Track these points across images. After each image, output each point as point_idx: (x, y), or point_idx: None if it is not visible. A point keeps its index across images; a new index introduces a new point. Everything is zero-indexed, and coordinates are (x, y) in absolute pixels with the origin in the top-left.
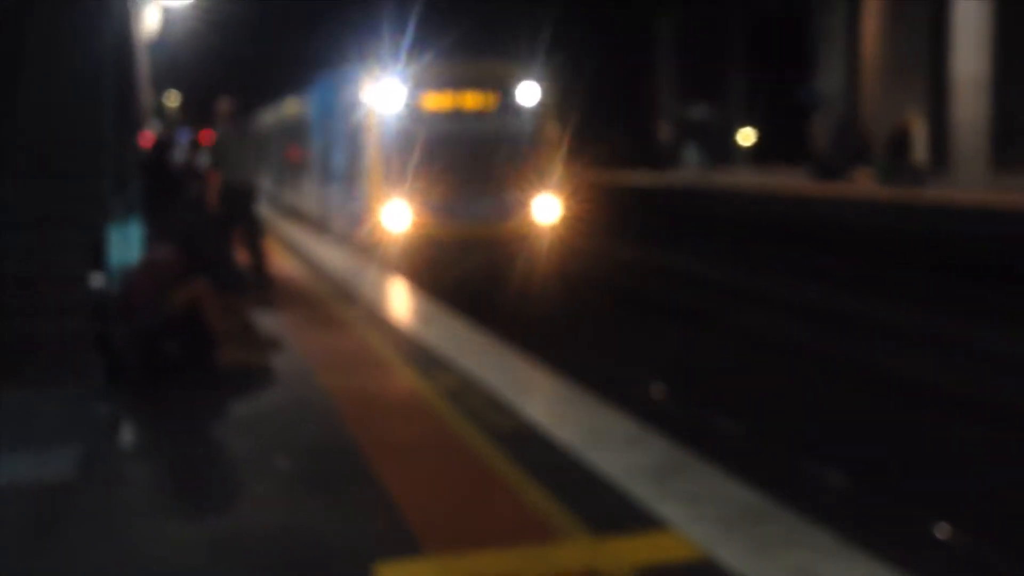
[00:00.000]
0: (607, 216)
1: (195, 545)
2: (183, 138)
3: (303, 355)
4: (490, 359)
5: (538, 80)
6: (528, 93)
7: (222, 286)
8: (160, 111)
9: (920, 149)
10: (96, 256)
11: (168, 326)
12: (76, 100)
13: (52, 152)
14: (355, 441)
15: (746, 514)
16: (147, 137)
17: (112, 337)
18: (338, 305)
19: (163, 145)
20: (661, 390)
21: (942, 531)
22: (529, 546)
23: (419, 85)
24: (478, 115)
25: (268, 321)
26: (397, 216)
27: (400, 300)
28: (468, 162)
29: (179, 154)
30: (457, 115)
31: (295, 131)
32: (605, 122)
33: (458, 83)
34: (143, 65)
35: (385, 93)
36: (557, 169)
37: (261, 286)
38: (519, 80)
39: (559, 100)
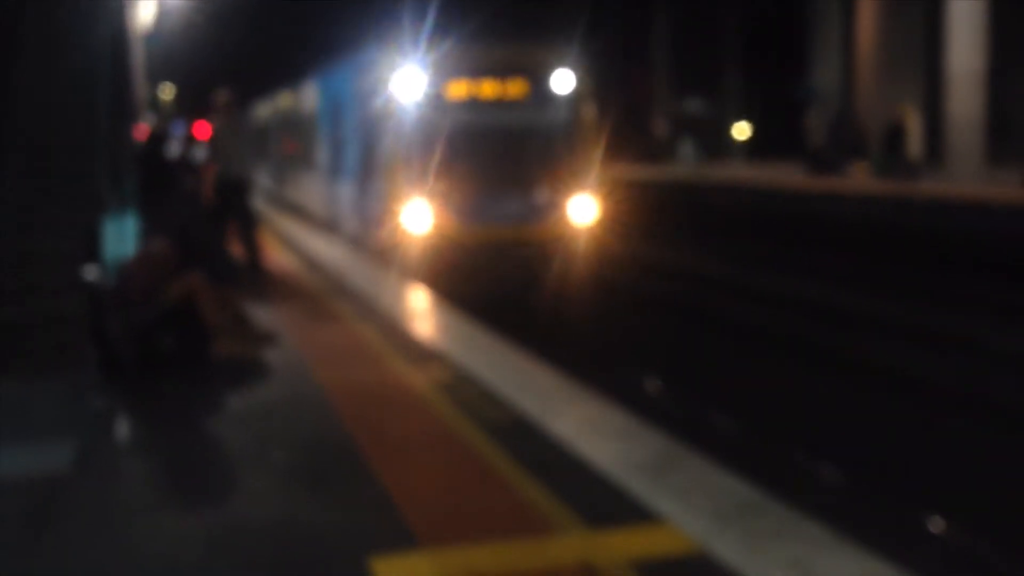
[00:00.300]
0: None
1: (191, 539)
2: (178, 131)
3: (299, 349)
4: (488, 354)
5: (574, 67)
6: (563, 81)
7: (217, 279)
8: (155, 104)
9: (915, 144)
10: (91, 249)
11: (163, 319)
12: (70, 93)
13: (46, 146)
14: (351, 435)
15: (741, 508)
16: (142, 130)
17: (107, 330)
18: (333, 299)
19: (158, 138)
20: (655, 385)
21: (937, 526)
22: (525, 539)
23: (442, 72)
24: (508, 105)
25: (264, 315)
26: (417, 217)
27: (398, 295)
28: (496, 157)
29: (175, 147)
30: (484, 105)
31: (300, 123)
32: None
33: (485, 70)
34: (138, 57)
35: (405, 81)
36: (595, 166)
37: (255, 279)
38: (553, 67)
39: (597, 89)
